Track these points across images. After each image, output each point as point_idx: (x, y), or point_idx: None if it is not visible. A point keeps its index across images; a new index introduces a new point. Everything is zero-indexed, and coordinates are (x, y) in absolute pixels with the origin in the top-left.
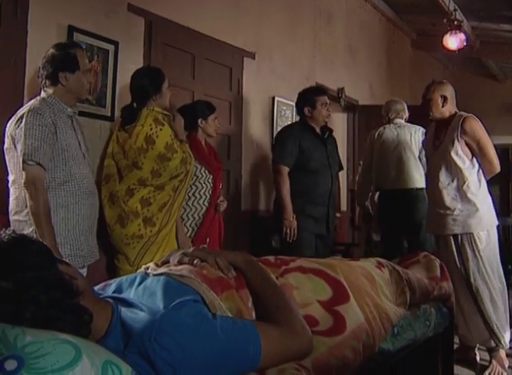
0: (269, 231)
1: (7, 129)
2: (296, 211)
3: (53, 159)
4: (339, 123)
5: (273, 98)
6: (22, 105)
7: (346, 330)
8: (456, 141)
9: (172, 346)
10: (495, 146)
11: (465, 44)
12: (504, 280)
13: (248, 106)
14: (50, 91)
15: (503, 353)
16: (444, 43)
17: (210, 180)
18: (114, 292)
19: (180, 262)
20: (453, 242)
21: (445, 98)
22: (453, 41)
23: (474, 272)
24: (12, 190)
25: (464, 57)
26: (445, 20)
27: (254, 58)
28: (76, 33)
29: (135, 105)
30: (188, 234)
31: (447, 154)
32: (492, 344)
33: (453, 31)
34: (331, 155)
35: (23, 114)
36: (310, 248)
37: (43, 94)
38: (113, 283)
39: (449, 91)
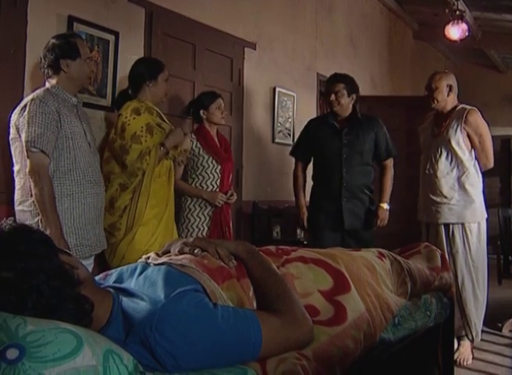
0: (271, 221)
1: (12, 119)
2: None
3: (57, 148)
4: None
5: (274, 89)
6: (22, 96)
7: (347, 320)
8: (459, 132)
9: (173, 335)
10: (497, 137)
11: (467, 34)
12: (487, 274)
13: (249, 97)
14: (53, 81)
15: (470, 345)
16: (446, 33)
17: (218, 171)
18: (115, 282)
19: (181, 252)
20: (443, 232)
21: (450, 87)
22: (455, 32)
23: (461, 265)
24: (17, 180)
25: (466, 48)
26: (447, 10)
27: (254, 49)
28: (77, 24)
29: (130, 91)
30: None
31: (448, 143)
32: (463, 333)
33: (455, 21)
34: (348, 146)
35: (27, 103)
36: (332, 243)
37: (47, 84)
38: (114, 273)
39: (453, 80)
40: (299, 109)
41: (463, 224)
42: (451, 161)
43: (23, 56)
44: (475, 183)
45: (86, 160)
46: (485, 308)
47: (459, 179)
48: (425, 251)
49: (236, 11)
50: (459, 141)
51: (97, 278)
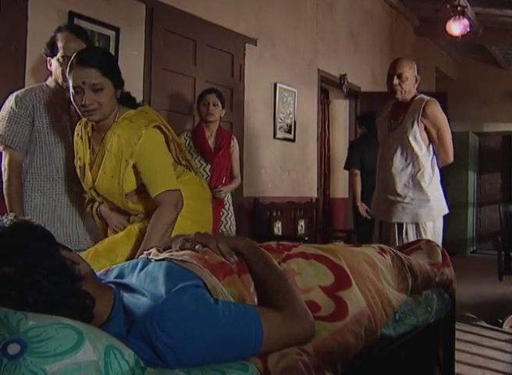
0: (272, 217)
1: None
2: None
3: (32, 142)
4: (341, 110)
5: (275, 85)
6: None
7: (348, 316)
8: (415, 125)
9: (174, 331)
10: (497, 133)
11: (468, 30)
12: None
13: (250, 92)
14: (52, 75)
15: None
16: (447, 29)
17: (207, 170)
18: (116, 278)
19: (182, 248)
20: (396, 230)
21: (416, 78)
22: (457, 27)
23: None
24: None
25: (468, 43)
26: (448, 6)
27: (255, 45)
28: (77, 20)
29: None
30: None
31: (404, 137)
32: None
33: (457, 17)
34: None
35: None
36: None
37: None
38: (115, 269)
39: (416, 68)
40: (300, 105)
41: (417, 223)
42: (406, 156)
43: (23, 52)
44: (431, 181)
45: (62, 156)
46: None
47: (414, 176)
48: (426, 246)
49: (236, 7)
50: (416, 134)
51: (98, 274)
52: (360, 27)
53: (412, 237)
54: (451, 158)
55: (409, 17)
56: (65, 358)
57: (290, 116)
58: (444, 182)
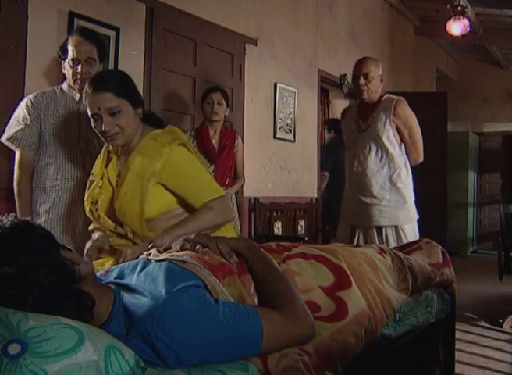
0: (272, 217)
1: None
2: None
3: (40, 142)
4: (341, 110)
5: (275, 85)
6: (23, 92)
7: (348, 316)
8: (388, 125)
9: (174, 331)
10: (498, 133)
11: (469, 30)
12: None
13: (250, 92)
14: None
15: None
16: (447, 29)
17: (210, 170)
18: (116, 278)
19: (182, 248)
20: (376, 235)
21: (381, 78)
22: (457, 27)
23: None
24: None
25: (468, 43)
26: (448, 6)
27: (255, 45)
28: (77, 20)
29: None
30: None
31: (378, 138)
32: None
33: (457, 17)
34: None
35: None
36: None
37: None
38: (115, 270)
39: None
40: (300, 105)
41: (396, 226)
42: (381, 157)
43: (23, 52)
44: (407, 181)
45: (64, 155)
46: None
47: (390, 177)
48: (426, 246)
49: (237, 6)
50: (389, 135)
51: (98, 274)
52: (361, 27)
53: (392, 241)
54: (421, 158)
55: (409, 17)
56: (65, 358)
57: (290, 116)
58: (446, 182)
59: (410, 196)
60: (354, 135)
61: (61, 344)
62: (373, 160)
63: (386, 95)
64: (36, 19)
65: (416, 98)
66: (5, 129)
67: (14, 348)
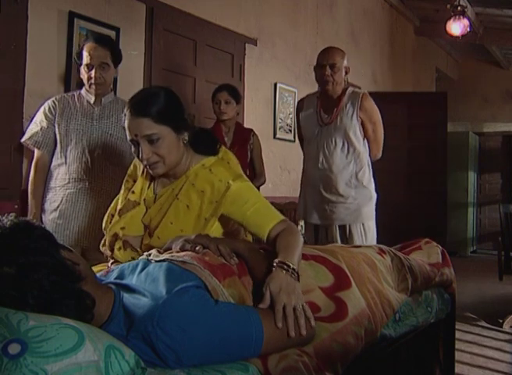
0: None
1: None
2: None
3: (56, 143)
4: None
5: (275, 85)
6: (23, 92)
7: (348, 316)
8: (355, 119)
9: (174, 331)
10: (498, 133)
11: (469, 30)
12: None
13: (250, 92)
14: None
15: None
16: (447, 29)
17: None
18: (116, 278)
19: (182, 249)
20: (338, 233)
21: (347, 70)
22: (457, 27)
23: None
24: None
25: (468, 43)
26: (448, 6)
27: (256, 45)
28: (77, 20)
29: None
30: None
31: (344, 133)
32: None
33: (457, 17)
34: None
35: None
36: None
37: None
38: (115, 270)
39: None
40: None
41: (362, 223)
42: (347, 153)
43: (23, 52)
44: (371, 177)
45: (73, 156)
46: None
47: (356, 174)
48: (426, 247)
49: (237, 7)
50: (355, 130)
51: (98, 275)
52: (361, 27)
53: (357, 238)
54: (381, 153)
55: (409, 17)
56: (65, 358)
57: (290, 116)
58: (446, 182)
59: (373, 192)
60: (316, 128)
61: (61, 344)
62: (339, 156)
63: (351, 89)
64: (36, 19)
65: (416, 98)
66: (8, 130)
67: (14, 348)
